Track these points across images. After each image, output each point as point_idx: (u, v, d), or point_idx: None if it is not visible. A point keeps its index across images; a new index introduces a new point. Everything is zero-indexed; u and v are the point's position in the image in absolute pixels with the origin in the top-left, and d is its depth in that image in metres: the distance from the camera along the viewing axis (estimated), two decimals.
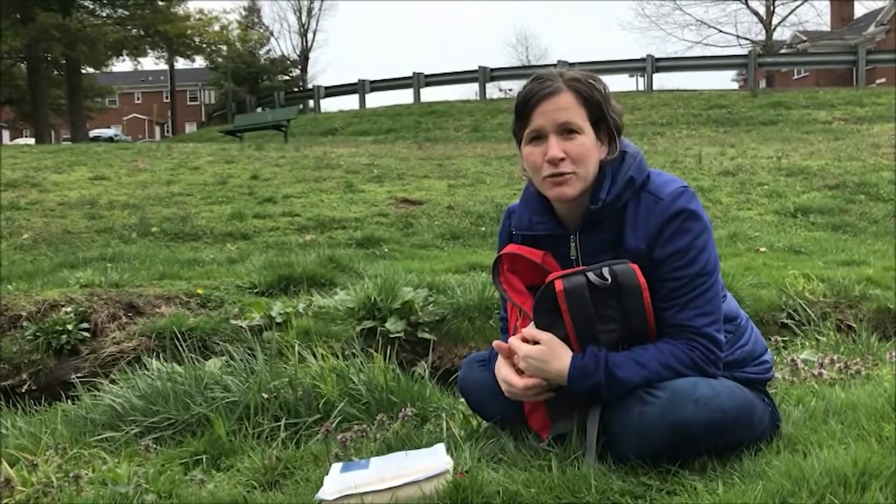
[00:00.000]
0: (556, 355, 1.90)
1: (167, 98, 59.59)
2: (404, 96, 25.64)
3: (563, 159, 1.93)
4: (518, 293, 2.03)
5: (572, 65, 19.85)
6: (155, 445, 2.46)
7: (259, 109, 30.04)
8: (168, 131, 56.44)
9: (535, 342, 1.93)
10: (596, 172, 1.97)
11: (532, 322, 1.96)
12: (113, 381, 3.08)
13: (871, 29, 35.23)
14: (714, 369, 1.90)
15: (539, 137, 1.96)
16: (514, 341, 1.98)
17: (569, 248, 2.02)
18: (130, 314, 4.63)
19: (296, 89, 39.43)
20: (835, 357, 2.92)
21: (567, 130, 1.93)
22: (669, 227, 1.90)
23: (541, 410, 2.02)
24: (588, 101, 1.94)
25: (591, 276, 1.86)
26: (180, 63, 40.92)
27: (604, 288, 1.85)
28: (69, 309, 4.56)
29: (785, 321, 4.26)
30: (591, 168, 1.95)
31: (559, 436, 1.98)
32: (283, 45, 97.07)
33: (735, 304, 2.13)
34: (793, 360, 2.81)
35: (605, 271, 1.86)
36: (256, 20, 52.98)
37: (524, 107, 1.96)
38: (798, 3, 32.37)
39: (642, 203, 1.94)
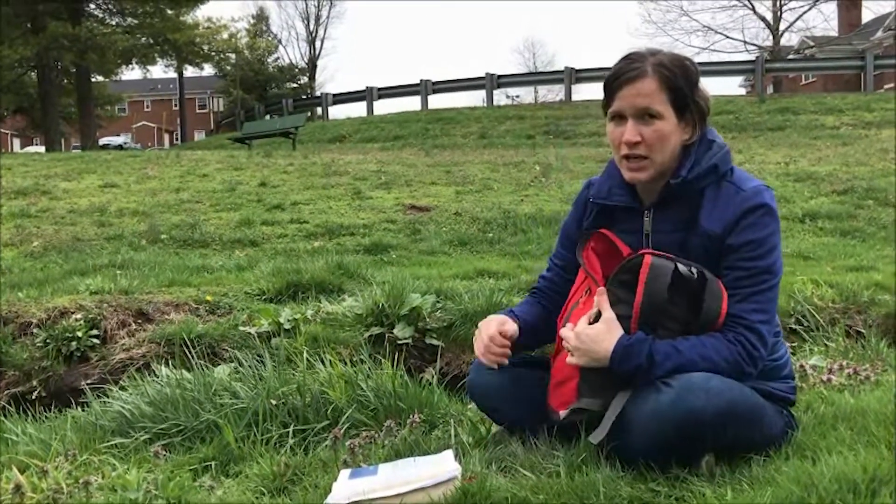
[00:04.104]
0: (610, 337, 1.90)
1: (176, 106, 59.86)
2: (412, 103, 25.77)
3: (638, 143, 1.97)
4: (594, 270, 2.04)
5: (581, 73, 19.59)
6: (164, 452, 2.46)
7: (267, 117, 30.19)
8: (177, 139, 56.69)
9: (595, 320, 1.93)
10: (676, 155, 2.00)
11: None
12: (122, 388, 3.09)
13: (879, 34, 35.11)
14: (752, 368, 1.91)
15: (620, 118, 2.00)
16: (566, 331, 1.98)
17: (642, 222, 2.05)
18: (140, 321, 4.65)
19: (304, 97, 39.64)
20: (844, 363, 2.91)
21: (646, 115, 1.97)
22: (749, 217, 1.93)
23: (570, 385, 2.00)
24: (672, 87, 1.96)
25: (680, 265, 1.88)
26: (189, 71, 41.03)
27: (686, 281, 1.86)
28: (79, 316, 4.58)
29: (794, 327, 4.24)
30: (667, 152, 1.99)
31: (573, 415, 1.97)
32: (292, 52, 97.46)
33: (777, 320, 2.12)
34: (802, 365, 2.80)
35: (694, 268, 1.88)
36: (265, 28, 53.34)
37: (609, 87, 2.01)
38: (805, 8, 32.35)
39: (723, 190, 1.98)
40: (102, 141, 37.14)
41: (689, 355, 1.86)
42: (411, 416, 2.42)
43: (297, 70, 52.07)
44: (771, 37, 32.87)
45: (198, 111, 66.61)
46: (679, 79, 1.98)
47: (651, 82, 1.96)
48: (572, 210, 2.27)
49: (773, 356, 2.03)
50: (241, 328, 4.37)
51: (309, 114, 29.05)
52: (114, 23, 29.90)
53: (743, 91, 36.02)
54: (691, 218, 1.98)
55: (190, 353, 3.41)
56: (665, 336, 1.90)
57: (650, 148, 1.97)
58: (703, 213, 1.97)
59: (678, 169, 2.00)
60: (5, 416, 3.27)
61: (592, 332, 1.92)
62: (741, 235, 1.93)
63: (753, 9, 33.02)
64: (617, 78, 2.00)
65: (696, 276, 1.87)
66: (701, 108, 2.01)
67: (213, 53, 32.33)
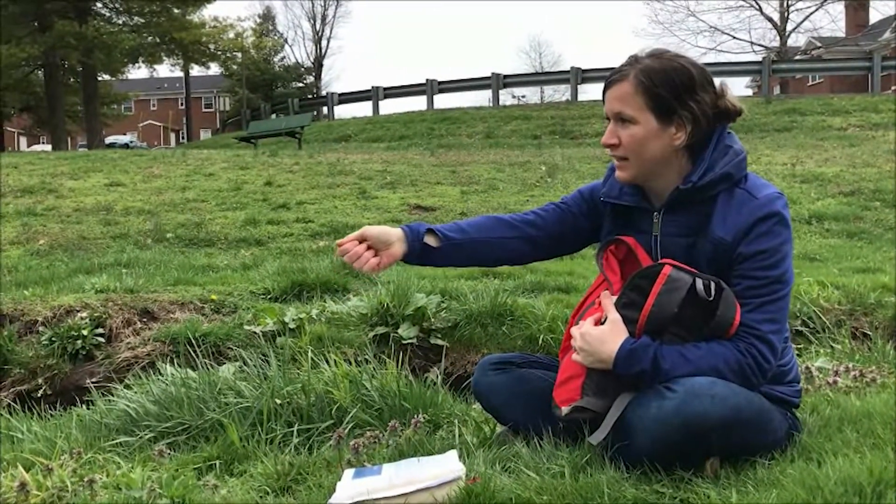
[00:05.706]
0: (614, 339, 1.89)
1: (182, 105, 60.08)
2: (417, 103, 25.81)
3: (614, 145, 1.99)
4: (613, 273, 2.04)
5: (588, 73, 19.46)
6: (169, 451, 2.46)
7: (273, 116, 30.22)
8: (183, 138, 56.83)
9: (602, 322, 1.93)
10: (670, 158, 1.98)
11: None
12: (127, 387, 3.10)
13: (887, 35, 35.01)
14: (760, 379, 1.89)
15: (608, 119, 2.03)
16: (575, 329, 2.00)
17: (651, 224, 2.04)
18: (145, 320, 4.66)
19: (310, 96, 39.69)
20: (850, 365, 2.89)
21: (621, 119, 1.98)
22: (761, 226, 1.90)
23: (575, 382, 1.99)
24: (650, 93, 1.94)
25: (698, 282, 1.86)
26: (195, 70, 41.15)
27: (700, 300, 1.85)
28: (84, 314, 4.59)
29: (799, 329, 4.22)
30: (646, 156, 1.97)
31: (575, 412, 1.97)
32: (298, 52, 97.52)
33: (786, 326, 2.12)
34: (807, 367, 2.79)
35: (713, 287, 1.85)
36: (271, 27, 53.54)
37: (603, 91, 2.05)
38: (812, 9, 32.26)
39: (736, 197, 1.95)
40: (108, 140, 37.25)
41: (697, 364, 1.85)
42: (415, 416, 2.41)
43: (303, 69, 52.20)
44: (778, 37, 32.81)
45: (204, 110, 66.74)
46: (660, 84, 1.93)
47: (627, 87, 1.95)
48: (578, 194, 2.25)
49: (780, 361, 2.01)
50: (246, 327, 4.38)
51: (315, 113, 29.12)
52: (120, 22, 29.95)
53: (749, 92, 35.92)
54: (702, 223, 1.96)
55: (195, 352, 3.41)
56: (671, 340, 1.88)
57: (626, 150, 1.98)
58: (716, 220, 1.94)
59: (689, 174, 1.97)
60: (11, 413, 3.28)
61: (597, 332, 1.92)
62: (753, 244, 1.90)
63: (760, 9, 32.99)
64: (606, 80, 2.03)
65: (712, 297, 1.84)
66: (695, 113, 1.95)
67: (219, 52, 32.31)
